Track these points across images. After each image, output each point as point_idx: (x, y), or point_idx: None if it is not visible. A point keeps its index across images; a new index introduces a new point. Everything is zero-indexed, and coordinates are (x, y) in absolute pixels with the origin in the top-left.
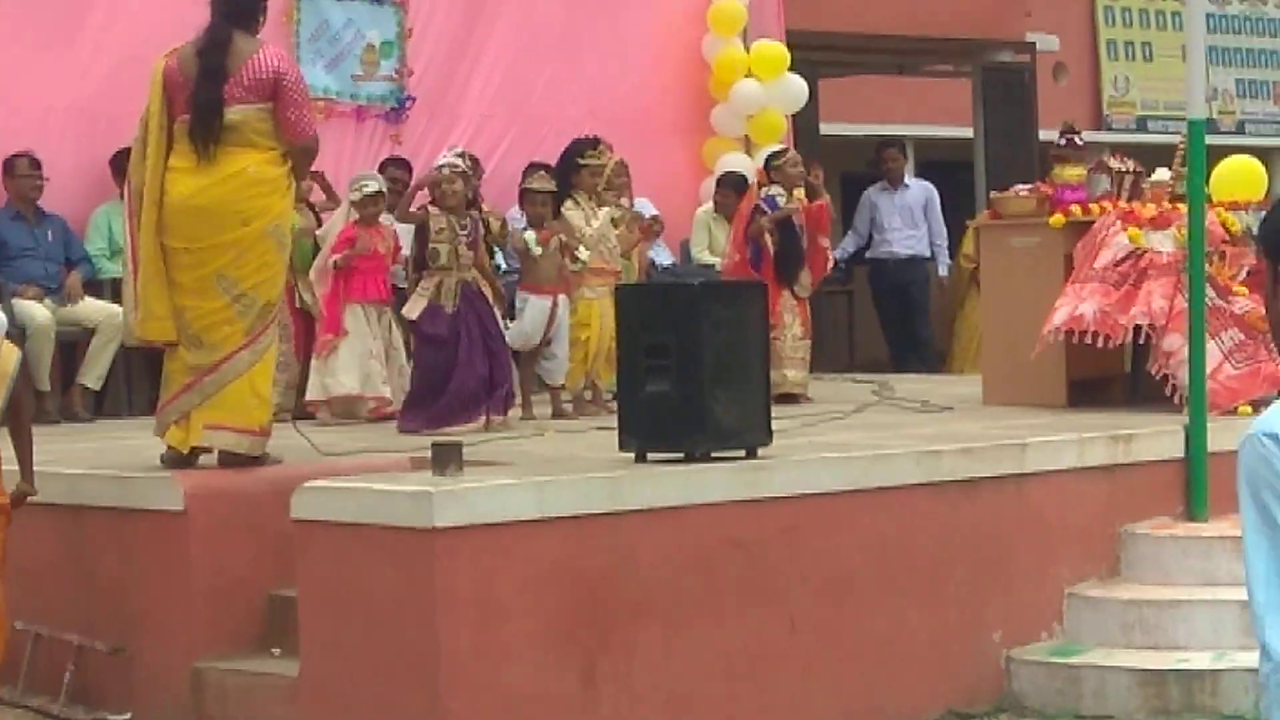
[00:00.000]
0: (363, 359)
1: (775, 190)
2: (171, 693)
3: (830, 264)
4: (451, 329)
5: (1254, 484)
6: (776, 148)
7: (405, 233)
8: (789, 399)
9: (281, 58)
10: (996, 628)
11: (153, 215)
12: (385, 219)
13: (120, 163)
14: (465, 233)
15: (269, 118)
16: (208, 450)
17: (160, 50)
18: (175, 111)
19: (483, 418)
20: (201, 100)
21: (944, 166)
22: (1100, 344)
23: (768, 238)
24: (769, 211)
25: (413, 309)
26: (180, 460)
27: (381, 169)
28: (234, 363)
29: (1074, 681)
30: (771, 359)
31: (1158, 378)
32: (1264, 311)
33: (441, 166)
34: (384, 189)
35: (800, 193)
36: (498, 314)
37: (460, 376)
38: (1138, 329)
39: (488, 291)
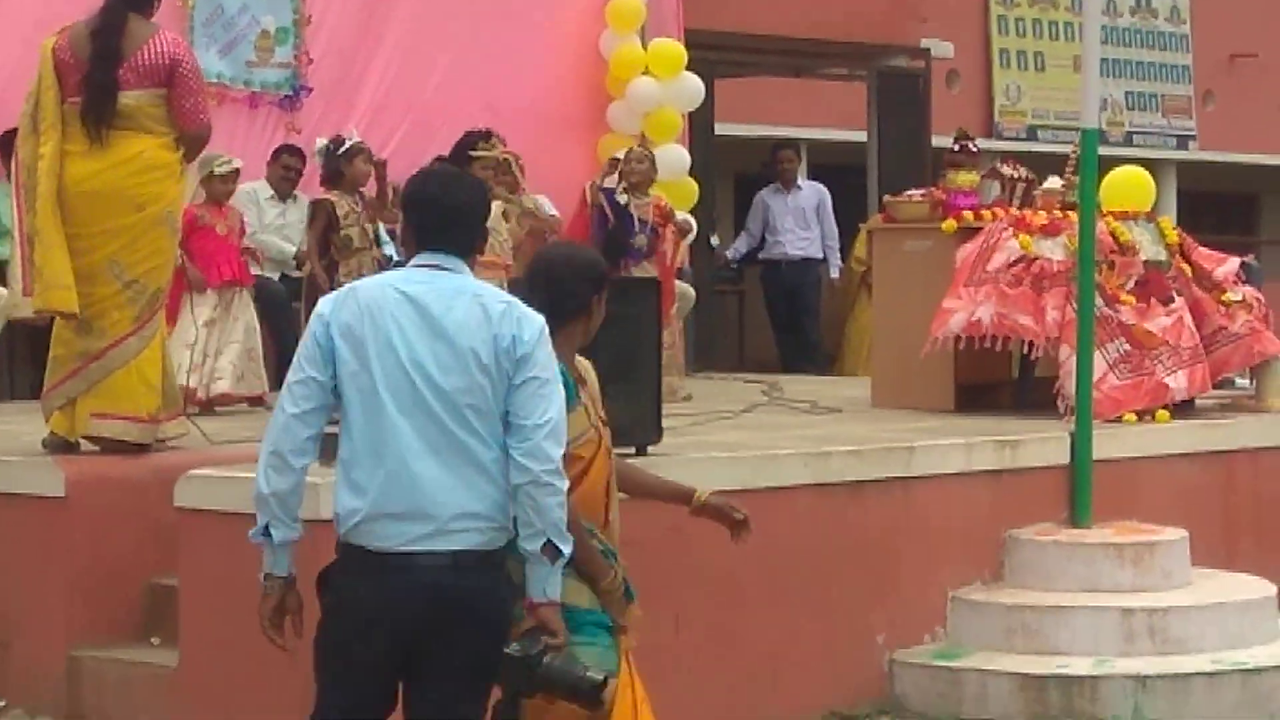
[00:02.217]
0: (176, 350)
1: (618, 188)
2: (48, 681)
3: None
4: None
5: None
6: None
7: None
8: None
9: (177, 43)
10: (880, 630)
11: (52, 186)
12: (275, 205)
13: (8, 143)
14: (363, 211)
15: (163, 103)
16: (95, 439)
17: (50, 31)
18: (65, 93)
19: None
20: (95, 83)
21: (837, 170)
22: (998, 347)
23: (594, 214)
24: (606, 199)
25: None
26: (63, 446)
27: (275, 156)
28: (121, 349)
29: (955, 685)
30: None
31: (1054, 390)
32: (1146, 326)
33: (356, 143)
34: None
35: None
36: None
37: None
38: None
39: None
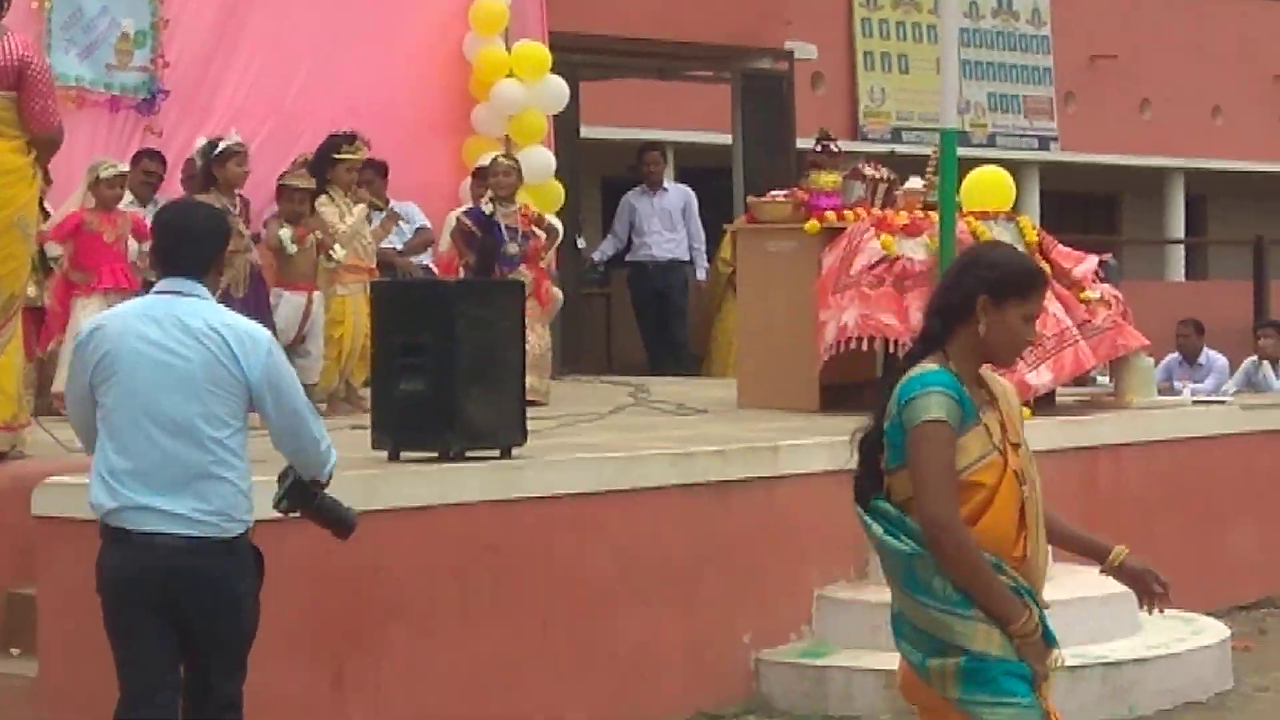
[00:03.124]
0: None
1: (482, 201)
2: None
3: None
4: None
5: None
6: (491, 156)
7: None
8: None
9: (27, 45)
10: (747, 630)
11: None
12: (135, 208)
13: None
14: (238, 213)
15: (12, 106)
16: None
17: None
18: None
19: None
20: None
21: (704, 172)
22: (865, 348)
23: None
24: (472, 222)
25: None
26: None
27: (135, 160)
28: None
29: (821, 683)
30: None
31: None
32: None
33: (232, 145)
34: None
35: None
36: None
37: None
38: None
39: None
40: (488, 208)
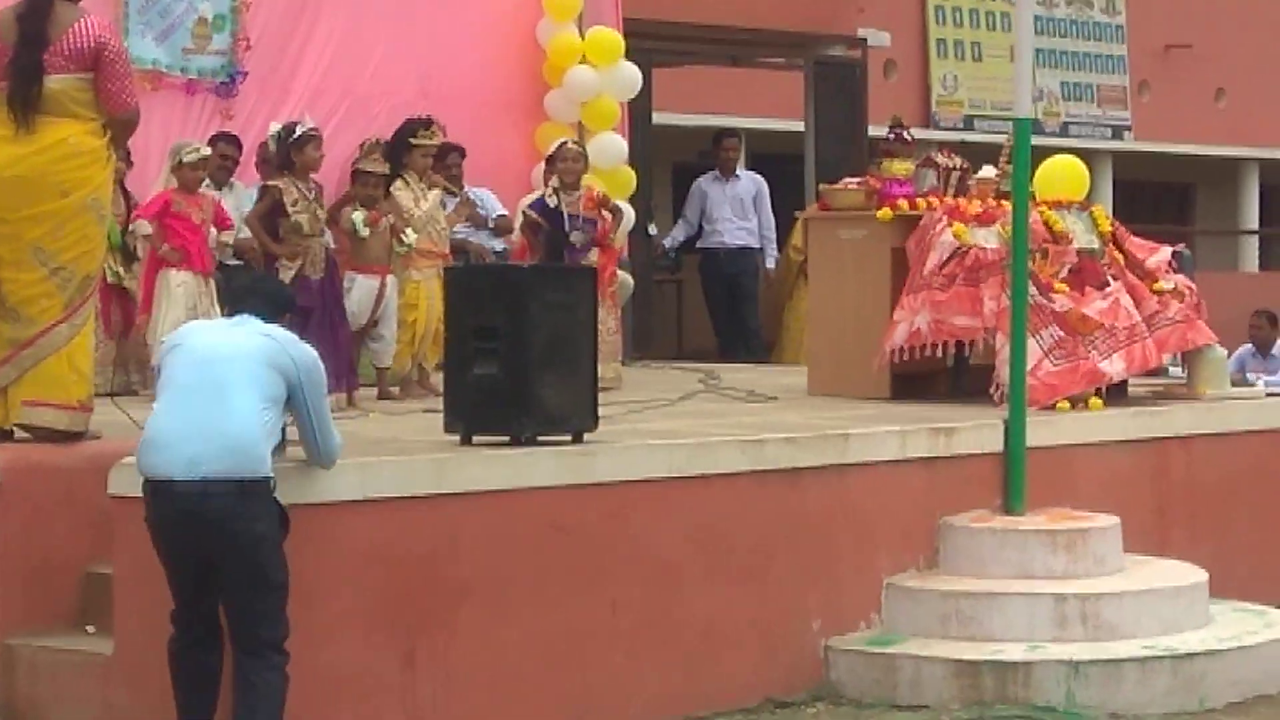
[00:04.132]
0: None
1: (546, 191)
2: None
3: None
4: (317, 297)
5: None
6: (559, 142)
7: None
8: None
9: (104, 27)
10: (816, 616)
11: None
12: (211, 191)
13: None
14: (314, 198)
15: (89, 88)
16: (27, 427)
17: None
18: None
19: (341, 392)
20: (20, 67)
21: (775, 158)
22: (940, 353)
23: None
24: (536, 213)
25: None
26: None
27: (211, 144)
28: (51, 337)
29: (890, 671)
30: None
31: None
32: (1082, 311)
33: (307, 130)
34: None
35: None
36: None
37: (324, 345)
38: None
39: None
40: (552, 199)
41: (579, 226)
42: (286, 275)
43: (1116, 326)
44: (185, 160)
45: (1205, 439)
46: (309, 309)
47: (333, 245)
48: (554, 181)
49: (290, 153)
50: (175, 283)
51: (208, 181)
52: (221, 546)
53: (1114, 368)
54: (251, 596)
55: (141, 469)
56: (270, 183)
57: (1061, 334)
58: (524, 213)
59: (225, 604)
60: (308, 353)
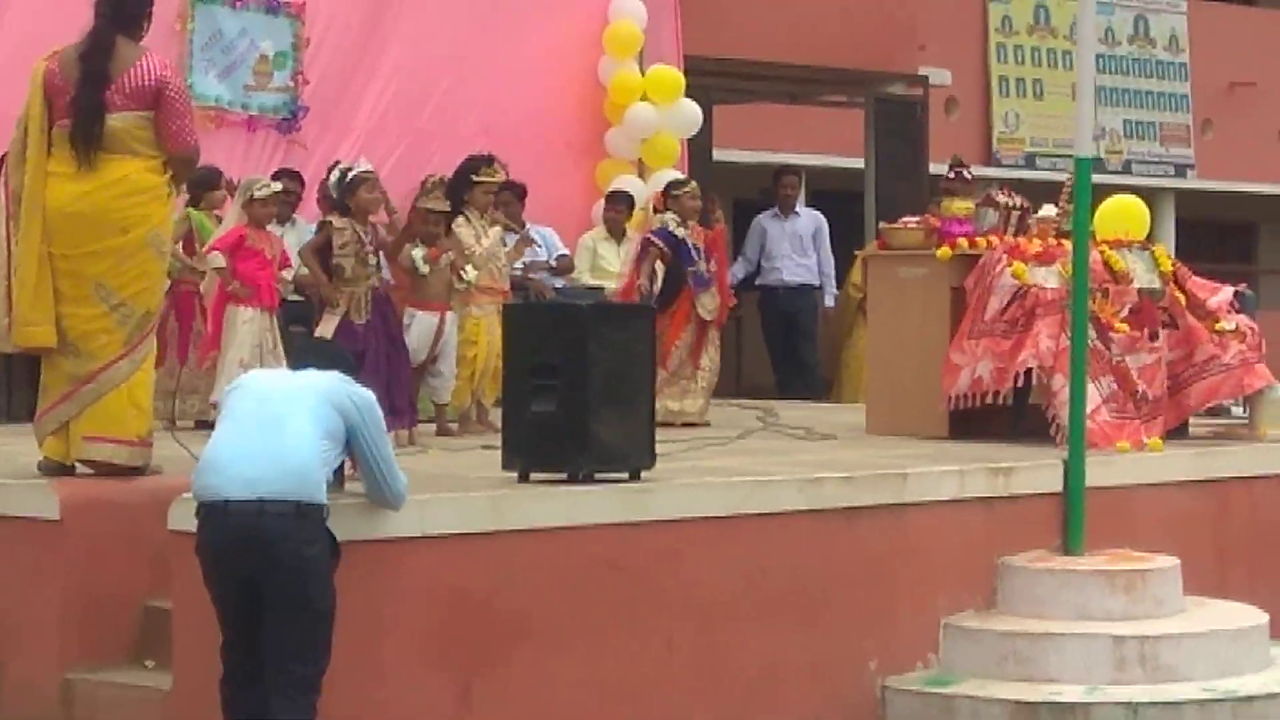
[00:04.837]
0: (232, 367)
1: (669, 217)
2: (41, 703)
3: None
4: (362, 342)
5: None
6: (677, 177)
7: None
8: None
9: (165, 65)
10: (873, 656)
11: (36, 220)
12: (273, 227)
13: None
14: (370, 240)
15: (150, 125)
16: (88, 462)
17: (42, 52)
18: (55, 116)
19: (401, 429)
20: (83, 105)
21: (836, 196)
22: (1002, 400)
23: (659, 266)
24: (659, 242)
25: (326, 329)
26: (59, 469)
27: (273, 179)
28: (112, 372)
29: (948, 712)
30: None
31: (1049, 418)
32: (1129, 360)
33: (360, 173)
34: (278, 191)
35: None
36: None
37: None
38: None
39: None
40: (678, 230)
41: (702, 258)
42: (330, 323)
43: (1147, 393)
44: (257, 196)
45: (1266, 480)
46: (359, 354)
47: (391, 282)
48: (672, 216)
49: (345, 196)
50: (242, 319)
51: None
52: (272, 568)
53: (1146, 438)
54: (296, 624)
55: (197, 493)
56: (327, 219)
57: (1115, 387)
58: (647, 240)
59: (268, 635)
60: (366, 395)
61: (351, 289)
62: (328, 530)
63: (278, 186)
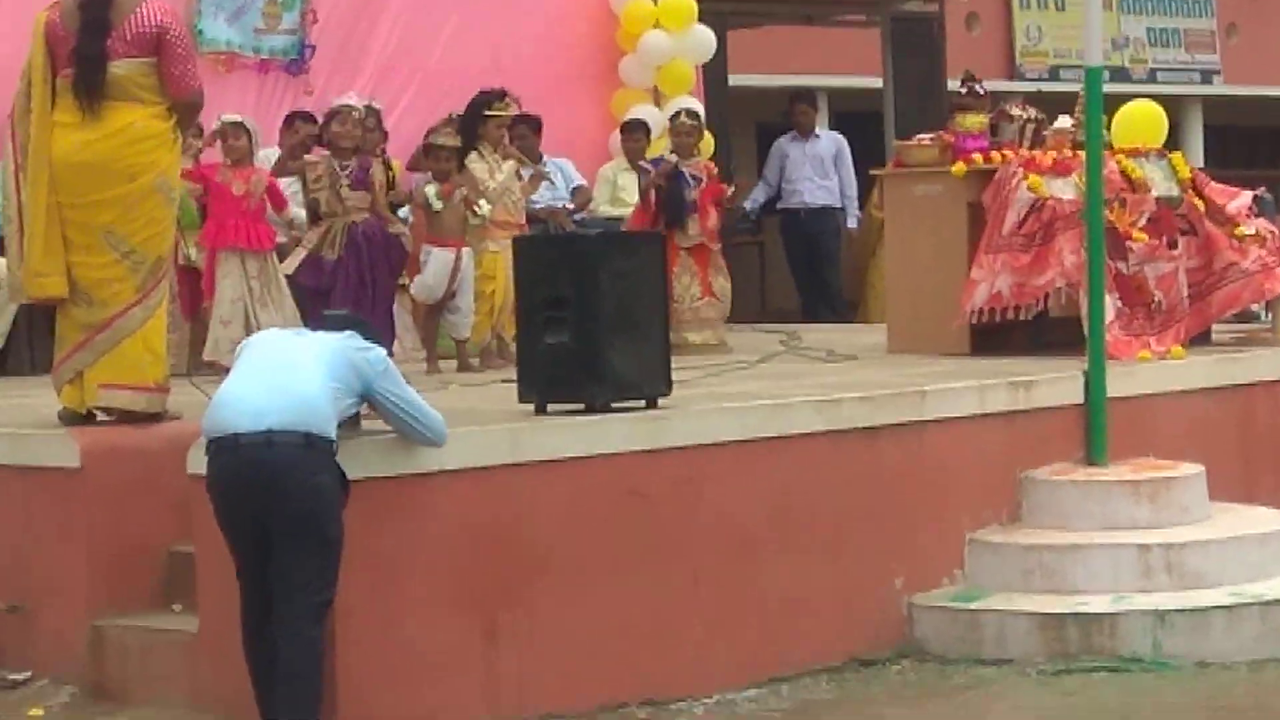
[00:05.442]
0: (216, 326)
1: (665, 151)
2: (71, 651)
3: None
4: (329, 279)
5: None
6: (676, 107)
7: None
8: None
9: (165, 11)
10: (898, 575)
11: (43, 171)
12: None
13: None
14: (347, 174)
15: (153, 72)
16: (106, 409)
17: (43, 3)
18: (58, 66)
19: None
20: (84, 54)
21: (859, 116)
22: (1023, 315)
23: (653, 193)
24: (653, 170)
25: (290, 264)
26: (77, 418)
27: (288, 122)
28: (126, 320)
29: (974, 627)
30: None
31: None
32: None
33: (337, 105)
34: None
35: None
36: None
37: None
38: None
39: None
40: (673, 157)
41: (696, 188)
42: (296, 258)
43: (1168, 299)
44: (214, 130)
45: None
46: (313, 289)
47: (406, 231)
48: (668, 149)
49: (321, 130)
50: (221, 274)
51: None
52: (281, 497)
53: (1160, 348)
54: (304, 552)
55: (206, 431)
56: (308, 158)
57: (1120, 304)
58: (644, 169)
59: (275, 565)
60: (377, 351)
61: (328, 223)
62: (337, 464)
63: (235, 118)
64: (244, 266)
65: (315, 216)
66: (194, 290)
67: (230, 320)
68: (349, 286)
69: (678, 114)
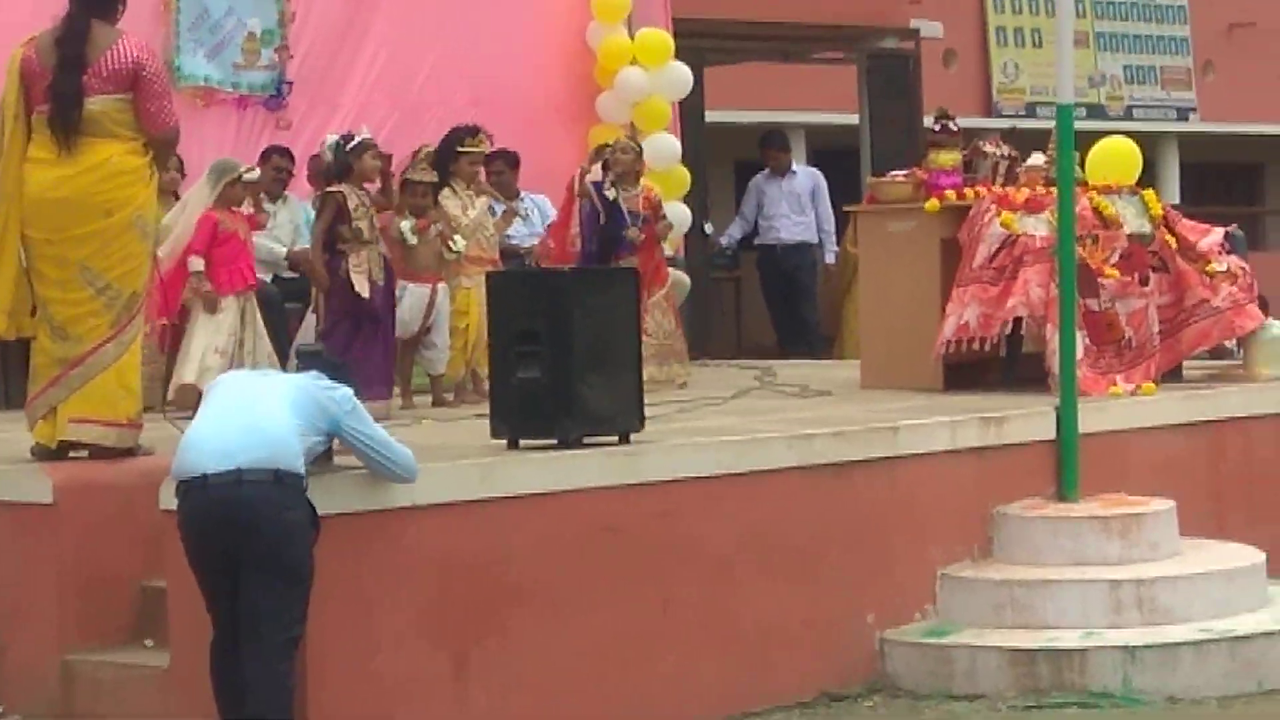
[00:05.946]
0: (206, 353)
1: (606, 181)
2: (43, 686)
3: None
4: (373, 301)
5: None
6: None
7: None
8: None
9: (141, 48)
10: (870, 609)
11: (15, 209)
12: (267, 205)
13: None
14: (370, 206)
15: (129, 108)
16: (77, 445)
17: (18, 40)
18: (33, 102)
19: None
20: (61, 91)
21: (836, 153)
22: (981, 347)
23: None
24: (595, 191)
25: (362, 288)
26: (50, 454)
27: (264, 157)
28: (100, 355)
29: (945, 662)
30: None
31: (1046, 369)
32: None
33: (365, 139)
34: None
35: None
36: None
37: (375, 349)
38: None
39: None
40: (610, 191)
41: (636, 223)
42: (362, 281)
43: (1137, 337)
44: (246, 179)
45: (1261, 420)
46: (376, 313)
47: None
48: (610, 176)
49: (350, 160)
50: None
51: (263, 195)
52: (252, 534)
53: (1129, 385)
54: (274, 589)
55: (175, 473)
56: (331, 190)
57: (1088, 342)
58: (580, 181)
59: (244, 599)
60: (343, 389)
61: (369, 251)
62: (308, 500)
63: (254, 175)
64: (238, 311)
65: (329, 244)
66: (172, 324)
67: (225, 351)
68: (386, 309)
69: (618, 138)
